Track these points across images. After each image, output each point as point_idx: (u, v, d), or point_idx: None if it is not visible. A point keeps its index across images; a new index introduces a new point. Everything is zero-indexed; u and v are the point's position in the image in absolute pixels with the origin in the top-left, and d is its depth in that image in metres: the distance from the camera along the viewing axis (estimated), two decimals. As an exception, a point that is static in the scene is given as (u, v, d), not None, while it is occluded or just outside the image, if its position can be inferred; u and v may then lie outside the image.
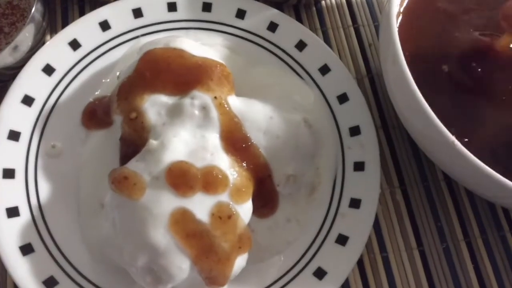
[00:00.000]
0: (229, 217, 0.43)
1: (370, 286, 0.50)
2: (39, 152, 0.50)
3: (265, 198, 0.49)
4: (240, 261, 0.45)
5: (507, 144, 0.46)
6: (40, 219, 0.48)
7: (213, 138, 0.46)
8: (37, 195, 0.49)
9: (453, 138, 0.42)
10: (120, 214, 0.43)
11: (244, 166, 0.47)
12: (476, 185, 0.47)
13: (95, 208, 0.49)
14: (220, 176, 0.43)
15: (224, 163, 0.45)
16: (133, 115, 0.47)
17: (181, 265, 0.42)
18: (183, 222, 0.42)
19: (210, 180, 0.43)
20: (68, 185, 0.50)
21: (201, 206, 0.42)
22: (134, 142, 0.47)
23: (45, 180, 0.49)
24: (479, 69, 0.48)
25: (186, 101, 0.47)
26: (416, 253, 0.52)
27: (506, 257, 0.52)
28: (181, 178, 0.42)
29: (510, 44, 0.48)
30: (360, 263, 0.51)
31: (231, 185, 0.44)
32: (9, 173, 0.48)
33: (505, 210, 0.54)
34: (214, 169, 0.43)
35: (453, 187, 0.54)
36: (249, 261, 0.46)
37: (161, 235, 0.41)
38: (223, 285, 0.45)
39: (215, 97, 0.47)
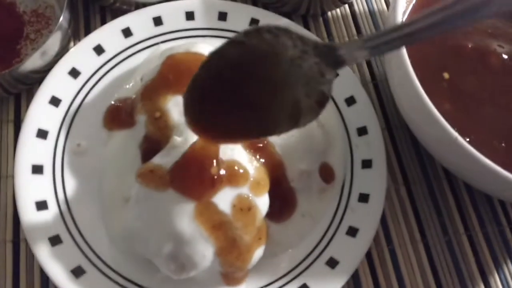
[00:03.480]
0: (249, 208, 0.46)
1: (378, 276, 0.53)
2: (66, 150, 0.53)
3: (282, 197, 0.51)
4: (259, 252, 0.48)
5: (506, 143, 0.50)
6: (67, 212, 0.50)
7: (233, 136, 0.49)
8: (64, 190, 0.51)
9: (456, 134, 0.46)
10: (147, 205, 0.46)
11: (261, 161, 0.50)
12: (477, 178, 0.51)
13: (119, 203, 0.51)
14: (241, 170, 0.46)
15: (244, 158, 0.48)
16: (157, 114, 0.50)
17: (204, 253, 0.45)
18: (207, 212, 0.44)
19: (232, 174, 0.46)
20: (92, 181, 0.52)
21: (223, 197, 0.45)
22: (158, 140, 0.50)
23: (71, 176, 0.52)
24: (479, 75, 0.52)
25: (207, 101, 0.50)
26: (420, 246, 0.55)
27: (505, 250, 0.55)
28: (205, 171, 0.45)
29: None
30: (368, 255, 0.54)
31: (251, 179, 0.47)
32: (38, 169, 0.51)
33: (503, 207, 0.58)
34: (235, 163, 0.46)
35: (454, 184, 0.58)
36: (262, 255, 0.49)
37: (186, 224, 0.44)
38: (242, 279, 0.48)
39: (234, 98, 0.50)
